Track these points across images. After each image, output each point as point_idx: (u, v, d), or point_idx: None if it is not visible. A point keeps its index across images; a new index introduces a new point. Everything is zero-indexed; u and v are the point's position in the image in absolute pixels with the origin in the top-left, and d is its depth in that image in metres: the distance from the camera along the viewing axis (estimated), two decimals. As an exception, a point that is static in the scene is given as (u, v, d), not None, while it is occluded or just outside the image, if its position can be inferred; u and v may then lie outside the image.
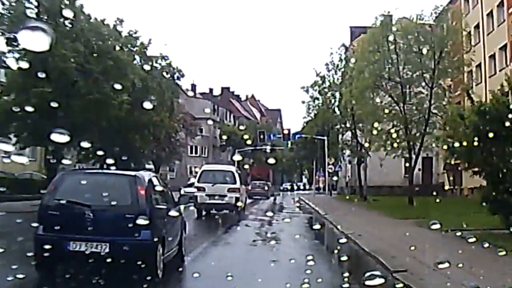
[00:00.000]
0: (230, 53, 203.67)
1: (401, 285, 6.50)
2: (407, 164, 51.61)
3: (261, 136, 54.60)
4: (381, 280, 3.19)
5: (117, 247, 8.04)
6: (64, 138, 2.60)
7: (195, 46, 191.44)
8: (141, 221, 7.57)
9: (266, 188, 57.85)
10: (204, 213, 23.74)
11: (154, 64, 35.85)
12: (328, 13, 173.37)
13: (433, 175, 54.03)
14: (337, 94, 41.89)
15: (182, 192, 20.62)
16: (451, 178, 48.41)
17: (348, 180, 53.78)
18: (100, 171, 11.11)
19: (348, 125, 41.66)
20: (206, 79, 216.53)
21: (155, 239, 8.48)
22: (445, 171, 49.73)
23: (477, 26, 40.30)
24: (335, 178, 64.51)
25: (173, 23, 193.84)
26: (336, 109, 42.57)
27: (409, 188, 30.32)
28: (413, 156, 29.99)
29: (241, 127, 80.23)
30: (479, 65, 38.27)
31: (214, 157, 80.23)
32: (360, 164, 41.60)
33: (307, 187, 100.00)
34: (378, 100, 30.28)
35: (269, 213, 28.09)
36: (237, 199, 22.91)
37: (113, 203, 8.34)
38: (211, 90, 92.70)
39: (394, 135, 29.91)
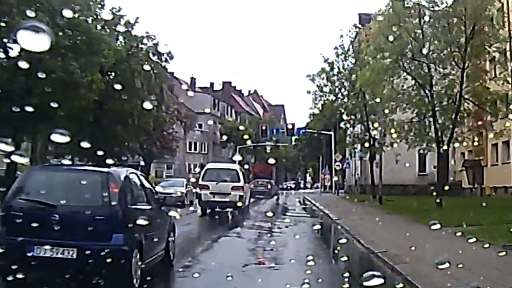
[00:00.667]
0: (232, 47, 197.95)
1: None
2: (434, 159, 46.82)
3: (263, 128, 49.39)
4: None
5: (85, 253, 7.13)
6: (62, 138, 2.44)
7: (195, 39, 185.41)
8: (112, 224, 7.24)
9: (269, 186, 53.57)
10: (208, 211, 23.12)
11: (140, 45, 30.80)
12: (335, 3, 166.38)
13: (449, 173, 48.77)
14: (346, 84, 36.68)
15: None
16: (470, 176, 43.61)
17: (358, 178, 48.61)
18: (70, 167, 10.02)
19: (359, 116, 36.53)
20: (207, 74, 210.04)
21: (130, 244, 7.50)
22: (465, 168, 44.86)
23: (501, 8, 35.33)
24: (335, 178, 60.66)
25: (174, 17, 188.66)
26: (345, 99, 37.24)
27: (437, 187, 25.25)
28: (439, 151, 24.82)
29: (243, 124, 75.27)
30: (503, 51, 33.34)
31: (214, 153, 75.19)
32: (372, 160, 36.50)
33: (309, 185, 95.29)
34: (396, 83, 25.14)
35: (270, 217, 23.12)
36: (240, 197, 22.58)
37: (82, 203, 7.61)
38: (212, 84, 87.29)
39: (418, 125, 24.80)
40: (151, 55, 30.91)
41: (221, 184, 22.76)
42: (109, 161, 10.19)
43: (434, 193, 23.44)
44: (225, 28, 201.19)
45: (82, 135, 28.45)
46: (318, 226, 18.80)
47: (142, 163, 44.29)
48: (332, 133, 55.69)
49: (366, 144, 34.99)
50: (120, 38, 30.81)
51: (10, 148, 2.22)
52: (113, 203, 7.46)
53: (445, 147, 24.27)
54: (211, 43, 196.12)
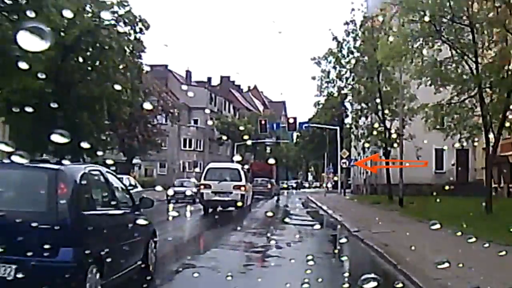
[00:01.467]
0: (231, 42, 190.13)
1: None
2: (452, 155, 41.21)
3: (262, 123, 43.31)
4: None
5: (27, 271, 5.64)
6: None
7: (192, 33, 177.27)
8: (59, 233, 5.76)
9: (269, 185, 47.87)
10: (210, 210, 22.57)
11: (108, 17, 24.72)
12: None
13: (469, 171, 42.72)
14: (358, 66, 30.64)
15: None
16: (496, 174, 37.72)
17: (367, 176, 42.45)
18: (12, 163, 4.31)
19: (370, 105, 30.55)
20: (204, 70, 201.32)
21: (82, 260, 5.94)
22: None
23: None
24: (335, 178, 55.42)
25: (170, 10, 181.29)
26: (356, 85, 31.11)
27: (487, 188, 19.41)
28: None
29: (242, 120, 69.32)
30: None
31: (210, 151, 69.12)
32: (388, 155, 30.57)
33: (307, 185, 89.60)
34: (429, 55, 19.15)
35: (267, 227, 17.21)
36: (242, 197, 22.23)
37: (24, 208, 6.02)
38: (209, 79, 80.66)
39: (459, 107, 18.77)
40: (122, 24, 24.72)
41: (223, 183, 22.42)
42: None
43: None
44: (223, 21, 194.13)
45: (40, 125, 22.83)
46: (332, 245, 12.83)
47: (124, 159, 38.41)
48: (337, 127, 49.94)
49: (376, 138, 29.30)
50: (88, 8, 24.71)
51: (10, 149, 2.22)
52: (60, 208, 5.90)
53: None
54: (208, 36, 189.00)
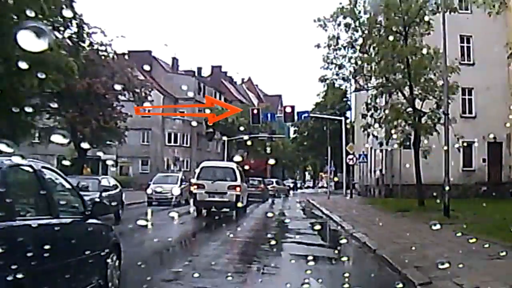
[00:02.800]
0: (225, 34, 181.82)
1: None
2: (483, 151, 33.41)
3: (255, 112, 35.19)
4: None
5: None
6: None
7: (184, 23, 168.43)
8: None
9: (262, 185, 40.13)
10: (204, 211, 21.74)
11: None
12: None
13: (503, 168, 34.60)
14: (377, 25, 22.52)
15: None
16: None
17: (381, 175, 34.19)
18: None
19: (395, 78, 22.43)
20: (195, 63, 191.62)
21: None
22: (533, 161, 30.92)
23: None
24: (335, 179, 50.21)
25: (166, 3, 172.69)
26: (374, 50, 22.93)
27: None
28: None
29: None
30: None
31: (198, 147, 60.94)
32: (418, 147, 22.49)
33: (299, 185, 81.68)
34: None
35: (244, 268, 9.12)
36: (237, 197, 21.09)
37: None
38: (199, 69, 72.14)
39: None
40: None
41: (217, 183, 21.30)
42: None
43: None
44: (219, 14, 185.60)
45: None
46: None
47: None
48: (342, 118, 42.08)
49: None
50: None
51: (10, 149, 1.90)
52: None
53: None
54: (201, 29, 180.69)
